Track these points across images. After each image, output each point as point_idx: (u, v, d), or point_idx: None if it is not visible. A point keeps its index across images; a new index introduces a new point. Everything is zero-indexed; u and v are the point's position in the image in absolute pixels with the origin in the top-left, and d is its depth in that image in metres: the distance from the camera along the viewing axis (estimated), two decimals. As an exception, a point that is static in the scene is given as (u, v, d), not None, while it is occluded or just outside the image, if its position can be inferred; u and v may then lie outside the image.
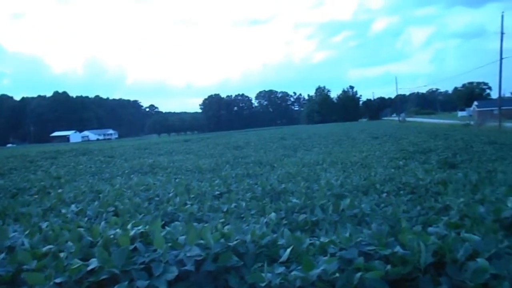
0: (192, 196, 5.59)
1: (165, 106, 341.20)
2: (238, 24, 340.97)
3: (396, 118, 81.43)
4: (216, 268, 2.42)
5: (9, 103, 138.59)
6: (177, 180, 7.48)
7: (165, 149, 21.60)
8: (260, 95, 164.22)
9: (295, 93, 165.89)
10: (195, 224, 3.21)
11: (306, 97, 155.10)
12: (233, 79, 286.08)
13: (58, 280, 2.19)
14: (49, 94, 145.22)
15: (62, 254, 2.55)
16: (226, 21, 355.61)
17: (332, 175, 7.22)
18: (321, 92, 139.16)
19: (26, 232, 3.24)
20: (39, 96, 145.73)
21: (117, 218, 3.94)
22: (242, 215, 4.41)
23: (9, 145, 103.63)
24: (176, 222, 3.73)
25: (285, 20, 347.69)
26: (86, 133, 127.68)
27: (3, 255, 2.61)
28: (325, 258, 2.45)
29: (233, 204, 4.83)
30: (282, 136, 29.47)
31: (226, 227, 3.00)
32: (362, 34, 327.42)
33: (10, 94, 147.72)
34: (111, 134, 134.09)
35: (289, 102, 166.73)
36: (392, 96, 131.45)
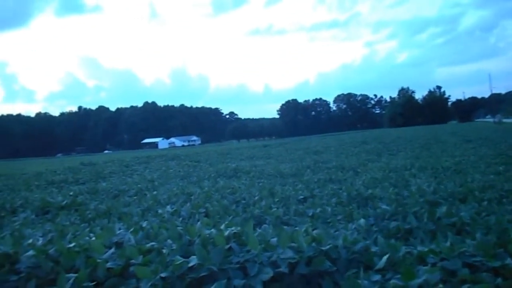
0: (277, 200, 5.65)
1: (244, 112, 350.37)
2: (316, 28, 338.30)
3: (491, 120, 73.83)
4: (309, 271, 2.42)
5: (106, 113, 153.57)
6: (260, 184, 7.64)
7: (246, 154, 22.16)
8: (339, 98, 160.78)
9: (376, 96, 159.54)
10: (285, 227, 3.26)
11: (388, 99, 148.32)
12: (310, 83, 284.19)
13: (163, 275, 2.36)
14: (140, 104, 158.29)
15: (164, 251, 2.75)
16: (304, 25, 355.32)
17: (422, 181, 6.80)
18: (405, 94, 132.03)
19: (130, 230, 3.54)
20: (131, 106, 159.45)
21: (208, 219, 4.14)
22: (329, 220, 4.34)
23: (106, 151, 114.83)
24: (265, 225, 3.81)
25: (364, 20, 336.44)
26: (172, 139, 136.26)
27: (112, 250, 2.89)
28: (425, 268, 2.33)
29: (318, 209, 4.79)
30: (364, 140, 28.48)
31: (315, 231, 2.98)
32: (450, 30, 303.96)
33: (106, 106, 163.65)
34: (194, 140, 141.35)
35: (369, 105, 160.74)
36: (486, 96, 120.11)
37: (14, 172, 19.09)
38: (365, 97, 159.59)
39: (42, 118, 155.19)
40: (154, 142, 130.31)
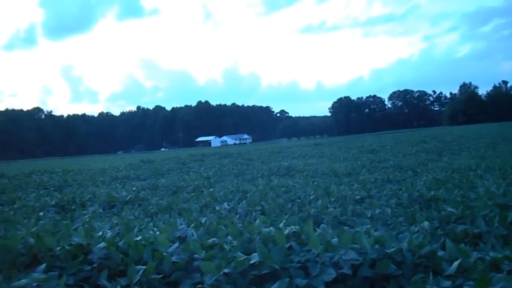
0: (333, 199, 5.56)
1: (295, 110, 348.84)
2: (370, 23, 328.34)
3: None
4: (373, 274, 2.36)
5: (162, 113, 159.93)
6: (315, 183, 7.56)
7: (298, 153, 22.04)
8: (394, 95, 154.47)
9: (434, 92, 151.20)
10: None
11: (448, 96, 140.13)
12: (364, 80, 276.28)
13: (226, 271, 2.41)
14: (194, 103, 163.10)
15: (226, 247, 2.81)
16: (359, 20, 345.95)
17: (490, 182, 6.35)
18: (467, 89, 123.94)
19: (192, 225, 3.65)
20: (186, 105, 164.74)
21: (265, 217, 4.17)
22: (389, 222, 4.20)
23: (162, 149, 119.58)
24: (323, 225, 3.76)
25: (423, 13, 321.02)
26: (224, 138, 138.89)
27: (176, 244, 2.99)
28: (501, 275, 2.18)
29: (377, 210, 4.65)
30: (422, 139, 27.16)
31: (376, 233, 2.90)
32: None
33: (163, 105, 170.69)
34: (246, 138, 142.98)
35: (427, 102, 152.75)
36: None
37: (81, 168, 20.49)
38: (423, 94, 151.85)
39: (104, 118, 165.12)
40: (207, 140, 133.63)
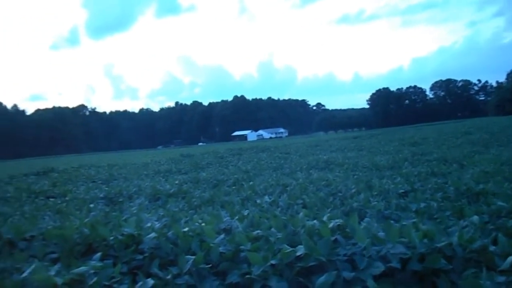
0: (375, 193, 5.48)
1: (332, 103, 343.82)
2: (410, 10, 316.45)
3: None
4: (422, 268, 2.32)
5: (199, 108, 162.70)
6: (355, 177, 7.46)
7: (336, 146, 21.76)
8: (436, 85, 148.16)
9: (479, 81, 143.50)
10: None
11: (494, 84, 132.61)
12: (404, 70, 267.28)
13: (273, 262, 2.45)
14: (230, 98, 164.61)
15: (271, 239, 2.85)
16: (398, 8, 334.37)
17: (545, 175, 6.02)
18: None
19: (235, 218, 3.73)
20: (222, 100, 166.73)
21: (307, 211, 4.19)
22: (435, 216, 4.09)
23: (200, 143, 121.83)
24: (367, 218, 3.73)
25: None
26: (260, 132, 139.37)
27: (222, 235, 3.07)
28: (560, 273, 2.09)
29: (422, 204, 4.54)
30: (467, 130, 26.00)
31: (423, 227, 2.84)
32: None
33: (200, 100, 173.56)
34: (281, 132, 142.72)
35: (472, 92, 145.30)
36: None
37: (124, 162, 21.32)
38: (467, 83, 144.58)
39: (144, 114, 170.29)
40: (243, 135, 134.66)
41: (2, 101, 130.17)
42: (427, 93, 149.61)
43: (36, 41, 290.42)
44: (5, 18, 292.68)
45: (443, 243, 2.43)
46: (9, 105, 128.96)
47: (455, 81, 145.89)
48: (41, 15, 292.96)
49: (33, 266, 2.47)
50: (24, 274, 2.39)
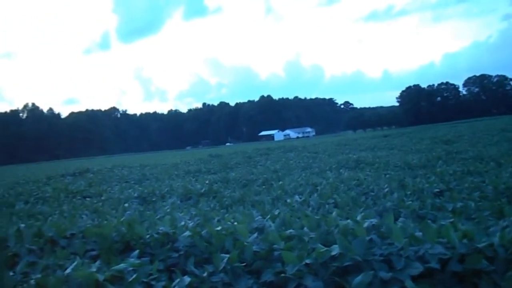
0: (409, 192, 5.36)
1: (360, 101, 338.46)
2: (441, 5, 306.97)
3: None
4: (462, 269, 2.26)
5: (226, 108, 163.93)
6: (387, 176, 7.32)
7: (366, 145, 21.41)
8: (469, 81, 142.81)
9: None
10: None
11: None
12: (435, 66, 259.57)
13: (307, 261, 2.44)
14: (256, 98, 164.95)
15: (305, 238, 2.84)
16: (428, 2, 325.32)
17: None
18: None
19: (267, 217, 3.74)
20: (248, 101, 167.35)
21: (339, 210, 4.15)
22: (473, 216, 3.96)
23: (227, 143, 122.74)
24: (402, 218, 3.65)
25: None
26: (287, 131, 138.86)
27: (255, 234, 3.09)
28: None
29: (459, 204, 4.41)
30: (503, 127, 24.95)
31: (462, 227, 2.75)
32: None
33: (227, 101, 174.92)
34: (309, 131, 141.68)
35: (507, 87, 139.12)
36: None
37: (155, 163, 21.77)
38: (503, 78, 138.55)
39: (173, 115, 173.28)
40: (270, 135, 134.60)
41: (39, 105, 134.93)
42: (460, 89, 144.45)
43: (70, 46, 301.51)
44: (40, 27, 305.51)
45: (484, 244, 2.36)
46: (45, 109, 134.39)
47: (490, 76, 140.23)
48: (74, 22, 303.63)
49: (75, 263, 2.56)
50: (67, 271, 2.48)
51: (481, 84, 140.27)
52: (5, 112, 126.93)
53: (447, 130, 32.22)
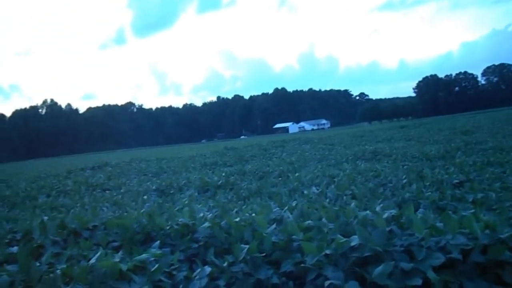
0: (428, 183, 5.30)
1: (376, 93, 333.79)
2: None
3: None
4: (485, 260, 2.24)
5: (241, 101, 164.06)
6: (405, 167, 7.24)
7: (382, 136, 21.17)
8: (488, 70, 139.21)
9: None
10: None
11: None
12: (453, 55, 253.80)
13: (327, 252, 2.45)
14: (271, 90, 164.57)
15: (324, 229, 2.85)
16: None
17: None
18: None
19: (285, 208, 3.75)
20: (263, 93, 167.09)
21: (357, 201, 4.13)
22: (494, 207, 3.90)
23: (242, 136, 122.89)
24: (421, 209, 3.63)
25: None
26: (302, 123, 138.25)
27: (273, 225, 3.11)
28: None
29: (480, 195, 4.34)
30: (524, 117, 24.38)
31: (484, 218, 2.71)
32: None
33: (241, 94, 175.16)
34: (324, 123, 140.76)
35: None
36: None
37: (172, 156, 22.00)
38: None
39: (188, 109, 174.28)
40: (285, 127, 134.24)
41: (57, 101, 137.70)
42: (479, 79, 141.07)
43: (86, 42, 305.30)
44: (56, 25, 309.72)
45: (507, 234, 2.33)
46: (63, 105, 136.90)
47: (510, 65, 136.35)
48: (90, 18, 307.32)
49: (98, 254, 2.63)
50: (92, 261, 2.55)
51: (500, 73, 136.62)
52: (25, 108, 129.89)
53: (466, 120, 31.57)
